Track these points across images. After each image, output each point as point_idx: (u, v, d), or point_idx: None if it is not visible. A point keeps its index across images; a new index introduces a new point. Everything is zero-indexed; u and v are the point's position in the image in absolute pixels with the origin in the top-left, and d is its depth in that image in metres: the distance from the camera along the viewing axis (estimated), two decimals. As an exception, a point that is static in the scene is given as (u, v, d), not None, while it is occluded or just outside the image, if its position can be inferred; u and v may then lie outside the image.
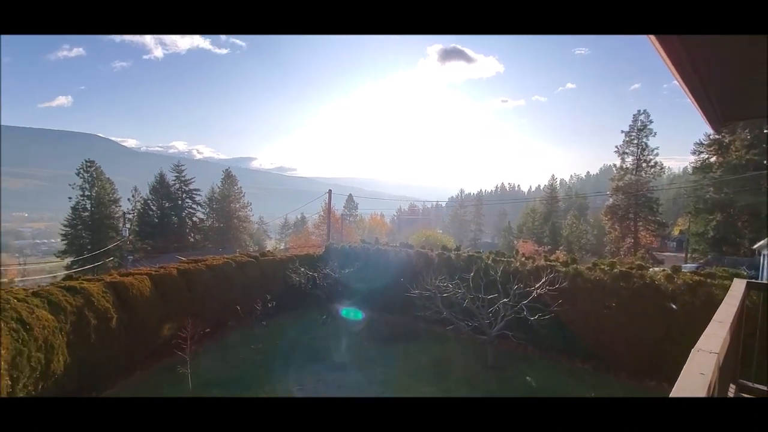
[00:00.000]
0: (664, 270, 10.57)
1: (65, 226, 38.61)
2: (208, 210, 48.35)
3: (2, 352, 5.24)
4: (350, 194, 69.51)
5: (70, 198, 38.18)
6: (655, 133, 41.05)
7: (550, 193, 64.51)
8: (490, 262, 12.85)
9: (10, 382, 5.49)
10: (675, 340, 9.00)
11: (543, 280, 10.79)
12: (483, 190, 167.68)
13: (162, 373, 9.81)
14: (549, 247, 47.85)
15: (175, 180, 44.90)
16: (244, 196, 51.23)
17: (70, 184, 38.24)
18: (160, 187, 43.47)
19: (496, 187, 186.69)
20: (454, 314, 11.19)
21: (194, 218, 46.42)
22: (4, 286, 11.76)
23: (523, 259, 12.89)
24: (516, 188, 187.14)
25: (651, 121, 41.08)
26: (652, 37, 1.83)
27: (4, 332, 5.65)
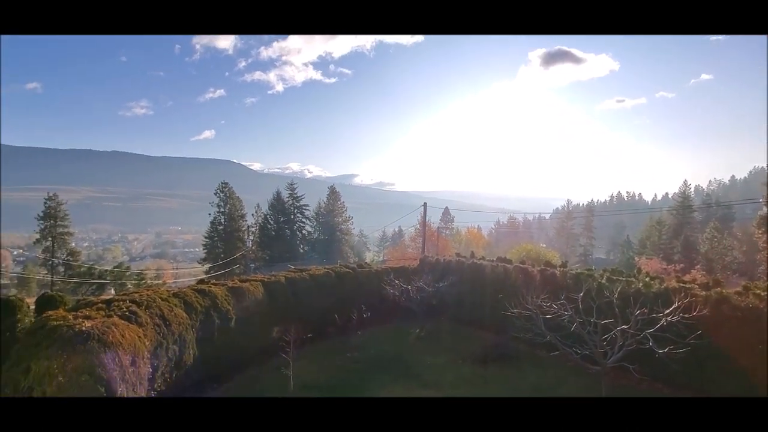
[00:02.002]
0: None
1: (205, 237, 46.18)
2: (315, 224, 52.88)
3: (146, 343, 6.36)
4: (446, 207, 68.78)
5: (209, 214, 45.57)
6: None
7: (682, 202, 54.67)
8: (604, 281, 11.34)
9: (150, 370, 6.64)
10: None
11: (675, 305, 9.05)
12: (595, 200, 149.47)
13: (269, 372, 10.78)
14: (681, 265, 40.05)
15: (288, 197, 50.56)
16: (346, 210, 54.80)
17: (209, 203, 45.70)
18: (277, 203, 49.43)
19: (611, 196, 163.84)
20: (559, 339, 10.05)
21: (303, 231, 51.48)
22: (158, 287, 14.30)
23: (647, 279, 11.09)
24: (636, 197, 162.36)
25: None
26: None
27: (149, 326, 6.87)
